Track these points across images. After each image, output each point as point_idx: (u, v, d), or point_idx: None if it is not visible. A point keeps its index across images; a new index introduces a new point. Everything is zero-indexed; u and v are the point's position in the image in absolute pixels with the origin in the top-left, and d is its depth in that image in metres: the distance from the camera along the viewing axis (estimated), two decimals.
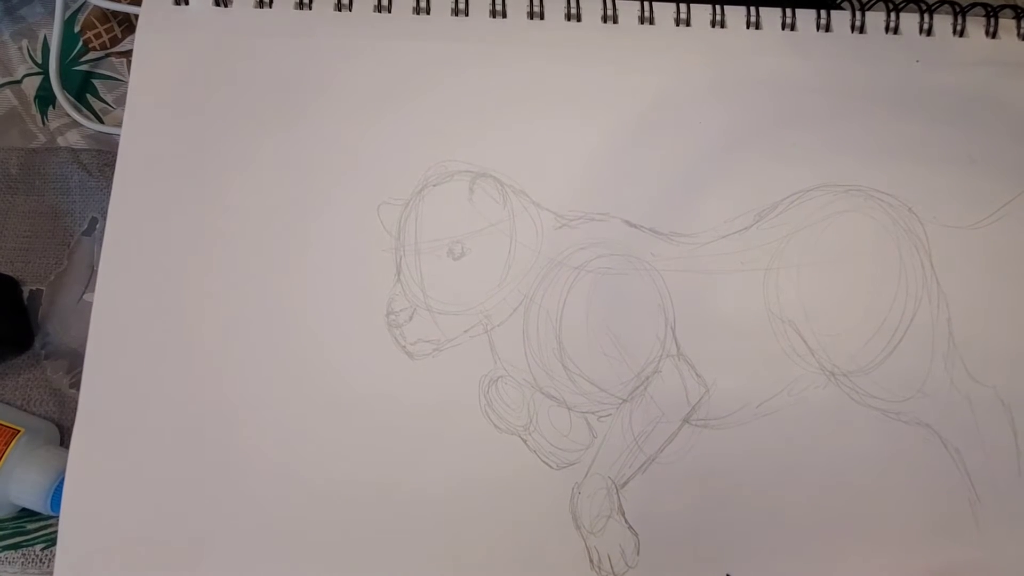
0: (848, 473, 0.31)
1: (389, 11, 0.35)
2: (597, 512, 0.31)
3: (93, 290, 0.33)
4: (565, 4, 0.36)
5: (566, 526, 0.30)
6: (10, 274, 0.38)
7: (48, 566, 0.33)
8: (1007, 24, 0.37)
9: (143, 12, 0.35)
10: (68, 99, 0.40)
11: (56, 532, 0.30)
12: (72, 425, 0.31)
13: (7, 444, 0.33)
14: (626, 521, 0.31)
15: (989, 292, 0.33)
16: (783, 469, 0.31)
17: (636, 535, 0.30)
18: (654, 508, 0.31)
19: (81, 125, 0.40)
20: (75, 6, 0.42)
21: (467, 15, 0.35)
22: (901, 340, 0.32)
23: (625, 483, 0.31)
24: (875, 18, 0.36)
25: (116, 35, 0.42)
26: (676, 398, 0.32)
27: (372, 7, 0.35)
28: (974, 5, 0.37)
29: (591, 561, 0.30)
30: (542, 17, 0.36)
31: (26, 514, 0.35)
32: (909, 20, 0.37)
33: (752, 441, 0.31)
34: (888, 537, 0.31)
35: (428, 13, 0.35)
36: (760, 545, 0.30)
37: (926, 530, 0.31)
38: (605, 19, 0.36)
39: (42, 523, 0.35)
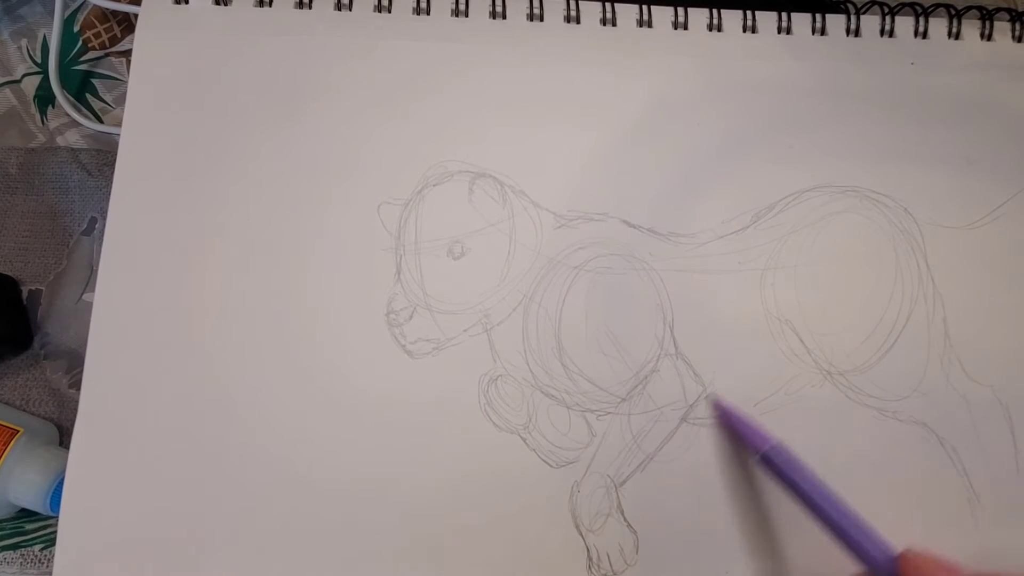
0: (845, 471, 0.31)
1: (389, 11, 0.35)
2: (596, 510, 0.31)
3: (93, 290, 0.33)
4: (564, 6, 0.36)
5: (565, 524, 0.31)
6: (9, 274, 0.38)
7: (47, 566, 0.33)
8: (1002, 27, 0.37)
9: (143, 11, 0.35)
10: (67, 98, 0.40)
11: (55, 532, 0.30)
12: (72, 425, 0.31)
13: (6, 444, 0.33)
14: (625, 519, 0.31)
15: (985, 292, 0.33)
16: None
17: (635, 533, 0.31)
18: (653, 506, 0.31)
19: (80, 125, 0.40)
20: (74, 5, 0.42)
21: (467, 16, 0.36)
22: (897, 339, 0.33)
23: (624, 481, 0.31)
24: (870, 21, 0.37)
25: (116, 34, 0.42)
26: (674, 397, 0.32)
27: (372, 7, 0.35)
28: (969, 8, 0.37)
29: (590, 559, 0.30)
30: (541, 19, 0.36)
31: (25, 514, 0.35)
32: (904, 23, 0.37)
33: None
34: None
35: (428, 14, 0.35)
36: (758, 543, 0.31)
37: (924, 529, 0.31)
38: (604, 22, 0.36)
39: (41, 523, 0.34)
